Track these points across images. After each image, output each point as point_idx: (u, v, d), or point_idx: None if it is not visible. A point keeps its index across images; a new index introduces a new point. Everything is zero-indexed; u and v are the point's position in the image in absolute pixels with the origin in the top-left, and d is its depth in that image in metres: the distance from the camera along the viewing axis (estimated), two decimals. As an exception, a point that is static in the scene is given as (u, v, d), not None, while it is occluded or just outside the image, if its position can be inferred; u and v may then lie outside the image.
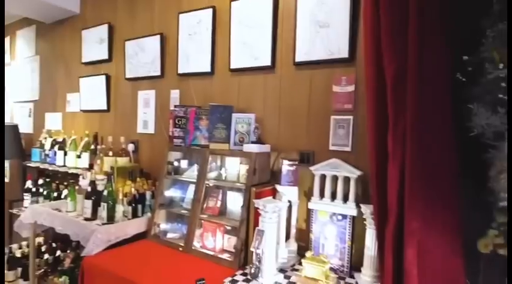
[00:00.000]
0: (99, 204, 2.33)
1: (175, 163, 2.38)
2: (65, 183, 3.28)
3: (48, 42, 3.83)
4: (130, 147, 2.83)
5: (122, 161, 2.71)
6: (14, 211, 3.57)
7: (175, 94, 2.63)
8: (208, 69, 2.42)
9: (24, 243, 3.52)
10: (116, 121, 3.08)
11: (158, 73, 2.70)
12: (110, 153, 2.72)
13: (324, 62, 1.95)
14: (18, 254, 3.32)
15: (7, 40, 4.47)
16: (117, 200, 2.36)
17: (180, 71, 2.58)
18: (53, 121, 3.73)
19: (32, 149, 3.66)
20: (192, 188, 2.20)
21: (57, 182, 3.35)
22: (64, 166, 3.31)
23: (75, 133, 3.28)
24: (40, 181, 3.57)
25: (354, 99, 1.85)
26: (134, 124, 2.91)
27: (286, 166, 1.90)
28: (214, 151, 2.10)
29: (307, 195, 1.93)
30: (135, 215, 2.41)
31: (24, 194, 3.64)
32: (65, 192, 3.24)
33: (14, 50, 4.38)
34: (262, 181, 1.98)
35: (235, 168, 2.08)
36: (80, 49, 3.34)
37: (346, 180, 1.77)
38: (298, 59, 2.03)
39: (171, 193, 2.34)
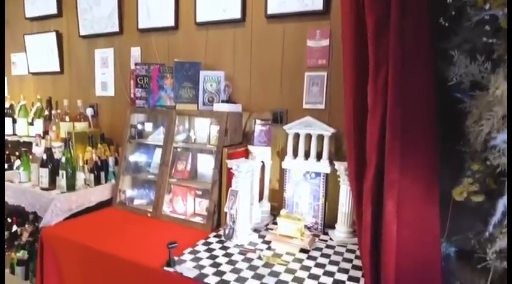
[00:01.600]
0: (57, 172, 2.15)
1: (139, 127, 2.22)
2: (17, 153, 3.00)
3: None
4: (89, 111, 2.60)
5: (80, 126, 2.49)
6: (-39, 185, 3.25)
7: (136, 52, 2.41)
8: (171, 23, 2.22)
9: None
10: (72, 84, 2.80)
11: (116, 29, 2.45)
12: (67, 118, 2.49)
13: (297, 15, 1.83)
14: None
15: None
16: (77, 167, 2.18)
17: (140, 26, 2.34)
18: (-2, 85, 3.35)
19: (-24, 117, 3.29)
20: (158, 152, 2.07)
21: (7, 152, 3.06)
22: (14, 135, 3.01)
23: (25, 99, 2.96)
24: (-12, 152, 3.25)
25: (328, 54, 1.77)
26: (92, 86, 2.66)
27: (258, 126, 1.82)
28: (181, 112, 1.97)
29: (280, 154, 1.88)
30: (98, 183, 2.26)
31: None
32: (17, 163, 2.98)
33: None
34: (234, 142, 1.90)
35: (204, 130, 1.97)
36: (23, 3, 2.94)
37: (320, 138, 1.73)
38: (270, 11, 1.89)
39: (135, 158, 2.20)
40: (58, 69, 2.82)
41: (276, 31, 1.91)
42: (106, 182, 2.28)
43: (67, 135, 2.33)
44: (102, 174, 2.31)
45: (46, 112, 2.81)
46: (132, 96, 2.41)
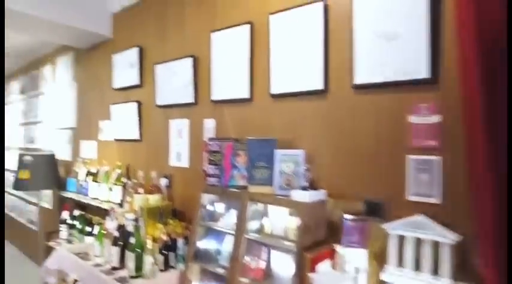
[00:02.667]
0: (127, 246, 2.05)
1: (210, 207, 2.04)
2: (97, 218, 3.09)
3: (83, 68, 3.74)
4: (163, 182, 2.55)
5: (154, 199, 2.43)
6: (51, 243, 3.45)
7: (209, 124, 2.31)
8: (246, 94, 2.07)
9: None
10: (148, 152, 2.83)
11: (191, 100, 2.40)
12: (141, 190, 2.45)
13: (393, 84, 1.50)
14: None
15: (49, 67, 4.51)
16: (146, 248, 2.06)
17: (213, 98, 2.25)
18: (88, 149, 3.60)
19: (68, 179, 3.55)
20: (229, 240, 1.83)
21: (90, 216, 3.17)
22: (96, 199, 3.12)
23: (108, 164, 3.09)
24: (76, 213, 3.44)
25: (440, 133, 1.38)
26: (167, 156, 2.62)
27: (348, 221, 1.47)
28: (254, 195, 1.72)
29: (378, 259, 1.47)
30: (166, 265, 2.10)
31: (60, 225, 3.52)
32: (96, 229, 3.05)
33: (54, 77, 4.38)
34: (317, 239, 1.56)
35: (281, 219, 1.68)
36: (112, 74, 3.16)
37: (435, 245, 1.30)
38: (358, 80, 1.60)
39: (205, 244, 1.99)
40: (138, 136, 2.89)
41: (365, 104, 1.59)
42: (175, 265, 2.11)
43: (139, 210, 2.26)
44: (172, 255, 2.15)
45: (124, 180, 2.85)
46: (205, 169, 2.28)
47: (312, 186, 1.63)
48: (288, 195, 1.63)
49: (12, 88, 5.83)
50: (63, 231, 3.48)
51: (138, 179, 2.54)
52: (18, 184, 3.48)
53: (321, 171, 1.71)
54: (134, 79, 2.89)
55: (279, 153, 1.73)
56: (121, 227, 2.18)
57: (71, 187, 3.51)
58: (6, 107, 6.05)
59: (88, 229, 3.10)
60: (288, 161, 1.71)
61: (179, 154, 2.53)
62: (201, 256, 1.96)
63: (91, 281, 2.02)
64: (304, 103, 1.82)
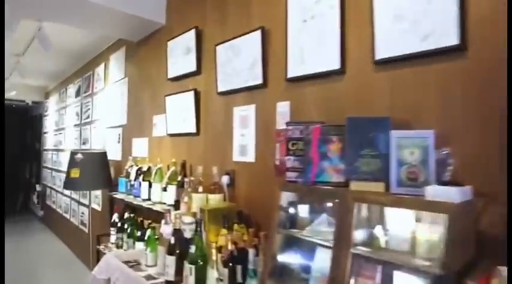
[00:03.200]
0: (185, 256, 1.68)
1: (290, 210, 1.59)
2: (149, 222, 2.78)
3: (134, 63, 3.54)
4: (225, 180, 2.16)
5: (215, 199, 2.04)
6: (101, 247, 3.21)
7: (283, 108, 1.88)
8: (335, 65, 1.61)
9: None
10: (207, 147, 2.47)
11: (259, 81, 2.00)
12: (200, 189, 2.08)
13: None
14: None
15: (102, 66, 4.42)
16: (210, 260, 1.66)
17: (290, 75, 1.82)
18: (140, 147, 3.36)
19: (119, 178, 3.32)
20: (322, 254, 1.36)
21: (141, 218, 2.88)
22: (148, 200, 2.83)
23: (162, 161, 2.78)
24: (126, 215, 3.18)
25: None
26: (229, 150, 2.24)
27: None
28: (361, 195, 1.25)
29: None
30: (233, 281, 1.68)
31: (111, 228, 3.29)
32: (148, 232, 2.74)
33: (107, 75, 4.28)
34: (466, 256, 1.05)
35: (404, 228, 1.18)
36: (166, 64, 2.89)
37: None
38: None
39: (285, 257, 1.54)
40: (194, 129, 2.55)
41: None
42: (244, 282, 1.68)
43: (199, 212, 1.89)
44: (239, 268, 1.73)
45: (179, 178, 2.52)
46: (278, 163, 1.84)
47: (454, 181, 1.12)
48: (417, 193, 1.13)
49: (69, 92, 5.92)
50: (114, 235, 3.23)
51: (196, 176, 2.18)
52: (69, 183, 3.32)
53: (459, 158, 1.19)
54: (191, 66, 2.57)
55: (395, 135, 1.25)
56: (177, 233, 1.82)
57: (122, 188, 3.27)
58: (64, 110, 6.17)
59: (138, 233, 2.81)
60: (410, 146, 1.21)
61: (243, 147, 2.13)
62: (281, 273, 1.51)
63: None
64: (426, 68, 1.33)
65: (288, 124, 1.64)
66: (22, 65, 5.26)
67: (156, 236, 2.07)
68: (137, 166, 3.09)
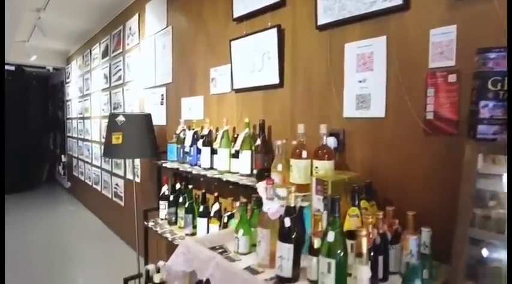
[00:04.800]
0: (302, 244, 1.18)
1: (481, 184, 1.04)
2: (216, 194, 2.29)
3: (180, 8, 2.94)
4: (331, 142, 1.62)
5: (324, 168, 1.51)
6: (150, 224, 2.78)
7: (443, 36, 1.28)
8: None
9: (162, 263, 2.69)
10: (296, 102, 1.91)
11: (398, 1, 1.40)
12: (304, 154, 1.54)
13: None
14: (156, 279, 2.47)
15: (135, 19, 3.83)
16: (347, 252, 1.16)
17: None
18: (192, 108, 2.83)
19: (168, 145, 2.82)
20: None
21: (203, 191, 2.40)
22: (212, 168, 2.33)
23: (228, 123, 2.25)
24: (178, 186, 2.72)
25: None
26: (335, 103, 1.67)
27: None
28: None
29: None
30: (374, 278, 1.18)
31: (160, 202, 2.85)
32: (215, 207, 2.26)
33: (143, 29, 3.69)
34: None
35: None
36: (229, 1, 2.28)
37: None
38: None
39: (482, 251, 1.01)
40: (276, 80, 1.98)
41: None
42: (385, 280, 1.18)
43: (318, 183, 1.36)
44: (381, 260, 1.23)
45: (259, 142, 1.99)
46: (430, 117, 1.29)
47: None
48: None
49: (94, 53, 5.38)
50: (164, 209, 2.79)
51: (295, 138, 1.64)
52: (110, 151, 2.84)
53: None
54: (271, -4, 1.97)
55: None
56: (291, 211, 1.30)
57: (172, 155, 2.78)
58: (89, 74, 5.67)
59: (201, 208, 2.35)
60: None
61: (363, 97, 1.55)
62: (482, 275, 0.99)
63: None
64: None
65: (482, 51, 1.05)
66: (43, 22, 4.71)
67: (247, 215, 1.57)
68: (192, 129, 2.58)
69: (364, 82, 1.54)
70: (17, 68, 7.24)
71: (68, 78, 7.15)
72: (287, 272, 1.25)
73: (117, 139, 2.75)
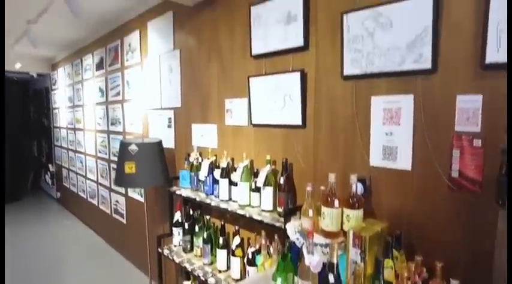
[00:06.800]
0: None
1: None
2: (237, 228, 2.37)
3: (191, 31, 2.95)
4: (359, 189, 1.73)
5: (356, 217, 1.61)
6: (165, 251, 2.83)
7: (469, 103, 1.41)
8: None
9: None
10: (319, 145, 2.00)
11: (425, 65, 1.50)
12: (336, 203, 1.64)
13: None
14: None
15: (135, 35, 3.79)
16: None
17: (490, 59, 1.33)
18: (205, 135, 2.87)
19: (181, 171, 2.86)
20: None
21: (222, 222, 2.47)
22: (230, 200, 2.40)
23: (247, 157, 2.32)
24: (192, 214, 2.78)
25: None
26: (361, 151, 1.78)
27: None
28: None
29: None
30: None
31: (173, 228, 2.90)
32: (236, 240, 2.33)
33: (145, 46, 3.67)
34: None
35: None
36: (247, 36, 2.33)
37: None
38: None
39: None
40: (298, 122, 2.06)
41: None
42: None
43: (352, 236, 1.46)
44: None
45: (282, 180, 2.07)
46: (455, 175, 1.42)
47: None
48: None
49: (86, 64, 5.25)
50: (178, 237, 2.84)
51: (324, 184, 1.73)
52: (124, 180, 2.85)
53: None
54: (294, 39, 2.03)
55: None
56: (333, 268, 1.40)
57: (185, 183, 2.82)
58: (81, 85, 5.53)
59: (220, 240, 2.42)
60: None
61: (390, 150, 1.67)
62: None
63: None
64: None
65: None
66: (33, 31, 4.55)
67: (284, 262, 1.66)
68: (207, 158, 2.63)
69: (391, 136, 1.65)
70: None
71: (54, 84, 6.93)
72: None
73: (130, 168, 2.76)
